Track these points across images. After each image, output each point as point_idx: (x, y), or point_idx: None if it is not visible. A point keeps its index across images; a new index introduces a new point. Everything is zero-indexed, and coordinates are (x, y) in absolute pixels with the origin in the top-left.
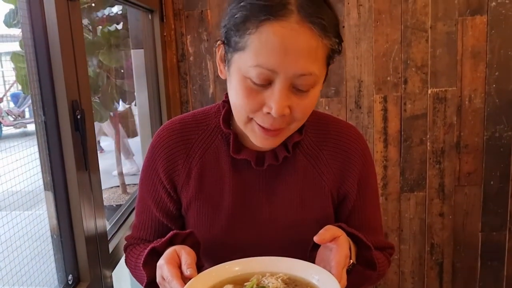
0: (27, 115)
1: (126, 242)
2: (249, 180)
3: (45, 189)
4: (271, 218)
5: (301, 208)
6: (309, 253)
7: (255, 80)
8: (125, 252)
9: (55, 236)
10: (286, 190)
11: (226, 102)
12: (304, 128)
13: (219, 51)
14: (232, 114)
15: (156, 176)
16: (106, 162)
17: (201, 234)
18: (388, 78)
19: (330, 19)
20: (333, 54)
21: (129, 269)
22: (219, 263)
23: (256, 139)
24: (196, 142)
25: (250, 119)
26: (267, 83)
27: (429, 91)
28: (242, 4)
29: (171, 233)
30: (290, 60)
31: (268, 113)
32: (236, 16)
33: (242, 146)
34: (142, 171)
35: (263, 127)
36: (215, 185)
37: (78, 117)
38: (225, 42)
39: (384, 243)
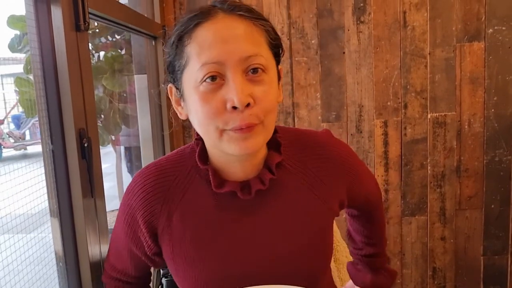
0: (27, 137)
1: (104, 272)
2: (237, 212)
3: (51, 215)
4: (268, 245)
5: (298, 227)
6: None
7: (207, 80)
8: (104, 285)
9: (60, 264)
10: (278, 214)
11: (199, 139)
12: (281, 148)
13: (172, 95)
14: (207, 152)
15: (134, 222)
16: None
17: (193, 277)
18: (388, 103)
19: (255, 10)
20: (274, 42)
21: None
22: None
23: (235, 146)
24: (173, 184)
25: (222, 131)
26: (220, 79)
27: (429, 116)
28: (175, 29)
29: None
30: (230, 47)
31: (233, 108)
32: (172, 40)
33: (223, 180)
34: (119, 215)
35: (236, 129)
36: (200, 226)
37: (85, 145)
38: (173, 79)
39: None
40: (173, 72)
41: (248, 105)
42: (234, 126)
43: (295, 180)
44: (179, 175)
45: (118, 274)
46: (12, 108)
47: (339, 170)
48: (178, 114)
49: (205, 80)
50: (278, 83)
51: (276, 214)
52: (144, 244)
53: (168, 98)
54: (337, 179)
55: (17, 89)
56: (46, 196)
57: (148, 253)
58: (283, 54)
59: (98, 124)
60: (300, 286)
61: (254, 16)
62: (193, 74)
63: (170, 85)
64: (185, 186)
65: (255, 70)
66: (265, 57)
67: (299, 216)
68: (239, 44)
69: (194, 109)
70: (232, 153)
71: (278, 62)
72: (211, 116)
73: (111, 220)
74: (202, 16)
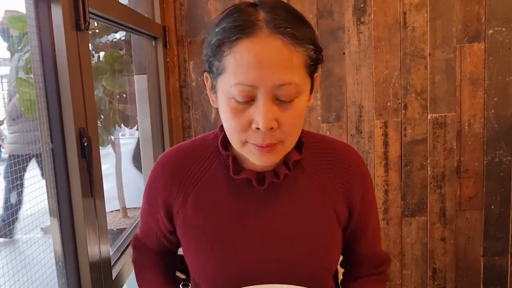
0: None
1: (133, 241)
2: (249, 201)
3: (50, 215)
4: (274, 242)
5: (305, 225)
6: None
7: (238, 99)
8: (133, 252)
9: (60, 263)
10: (289, 209)
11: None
12: (303, 147)
13: (207, 82)
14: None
15: (154, 202)
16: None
17: (203, 260)
18: (388, 104)
19: (301, 28)
20: (313, 62)
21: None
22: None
23: (255, 158)
24: (193, 167)
25: (244, 143)
26: (250, 100)
27: (429, 117)
28: (216, 30)
29: None
30: (266, 73)
31: (258, 128)
32: (212, 42)
33: (242, 168)
34: (144, 193)
35: (257, 145)
36: (213, 210)
37: (85, 144)
38: (209, 70)
39: (382, 258)
40: (210, 68)
41: (272, 128)
42: (255, 143)
43: (309, 180)
44: (199, 158)
45: (145, 247)
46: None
47: (356, 180)
48: (211, 101)
49: (237, 99)
50: (311, 92)
51: (286, 209)
52: (160, 222)
53: (167, 99)
54: (351, 188)
55: (17, 90)
56: (45, 195)
57: (163, 231)
58: (322, 62)
59: (98, 124)
60: (302, 285)
61: (298, 42)
62: (227, 85)
63: (206, 73)
64: (204, 169)
65: (286, 96)
66: (299, 82)
67: (307, 215)
68: (275, 70)
69: (223, 114)
70: (252, 162)
71: (315, 71)
72: (237, 131)
73: (111, 221)
74: (245, 30)
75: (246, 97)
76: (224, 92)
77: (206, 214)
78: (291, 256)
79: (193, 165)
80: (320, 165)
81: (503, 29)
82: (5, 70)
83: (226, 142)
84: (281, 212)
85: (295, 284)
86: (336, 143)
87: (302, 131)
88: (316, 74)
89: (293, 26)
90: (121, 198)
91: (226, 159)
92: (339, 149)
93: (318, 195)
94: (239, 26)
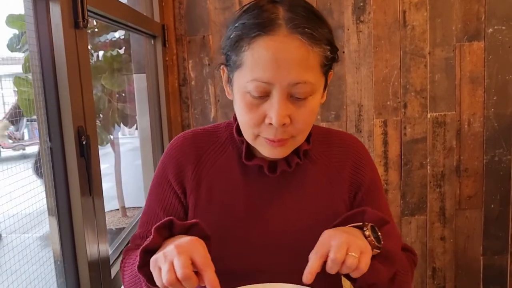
0: (25, 137)
1: (128, 246)
2: (261, 189)
3: (49, 214)
4: (285, 225)
5: (315, 215)
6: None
7: (253, 94)
8: (122, 260)
9: (58, 262)
10: (299, 198)
11: None
12: (311, 138)
13: (224, 74)
14: None
15: (166, 181)
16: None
17: (212, 245)
18: (388, 103)
19: (319, 28)
20: (328, 61)
21: (123, 278)
22: (231, 276)
23: (266, 151)
24: (207, 151)
25: (257, 136)
26: (265, 95)
27: (429, 115)
28: (236, 25)
29: (166, 219)
30: (282, 71)
31: (271, 123)
32: (231, 36)
33: (254, 155)
34: (153, 180)
35: (269, 140)
36: (226, 195)
37: (84, 143)
38: (226, 63)
39: (406, 245)
40: (227, 61)
41: (284, 124)
42: (268, 137)
43: (317, 170)
44: (213, 144)
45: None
46: (11, 108)
47: (361, 169)
48: (226, 93)
49: (252, 94)
50: (325, 89)
51: (297, 198)
52: (174, 201)
53: (166, 98)
54: (358, 176)
55: (15, 88)
56: (43, 194)
57: (176, 215)
58: (338, 61)
59: (97, 123)
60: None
61: (315, 42)
62: (243, 79)
63: (223, 66)
64: (218, 155)
65: (300, 94)
66: (314, 81)
67: (316, 204)
68: (291, 69)
69: (237, 107)
70: (263, 154)
71: (330, 70)
72: (250, 125)
73: (110, 221)
74: (264, 27)
75: (261, 93)
76: (240, 86)
77: (220, 199)
78: (300, 244)
79: (207, 150)
80: (327, 155)
81: (503, 27)
82: (5, 69)
83: (240, 130)
84: (292, 201)
85: (299, 277)
86: (342, 134)
87: None
88: (330, 73)
89: (312, 26)
90: (120, 197)
91: (240, 146)
92: (344, 140)
93: (326, 185)
94: (259, 23)
